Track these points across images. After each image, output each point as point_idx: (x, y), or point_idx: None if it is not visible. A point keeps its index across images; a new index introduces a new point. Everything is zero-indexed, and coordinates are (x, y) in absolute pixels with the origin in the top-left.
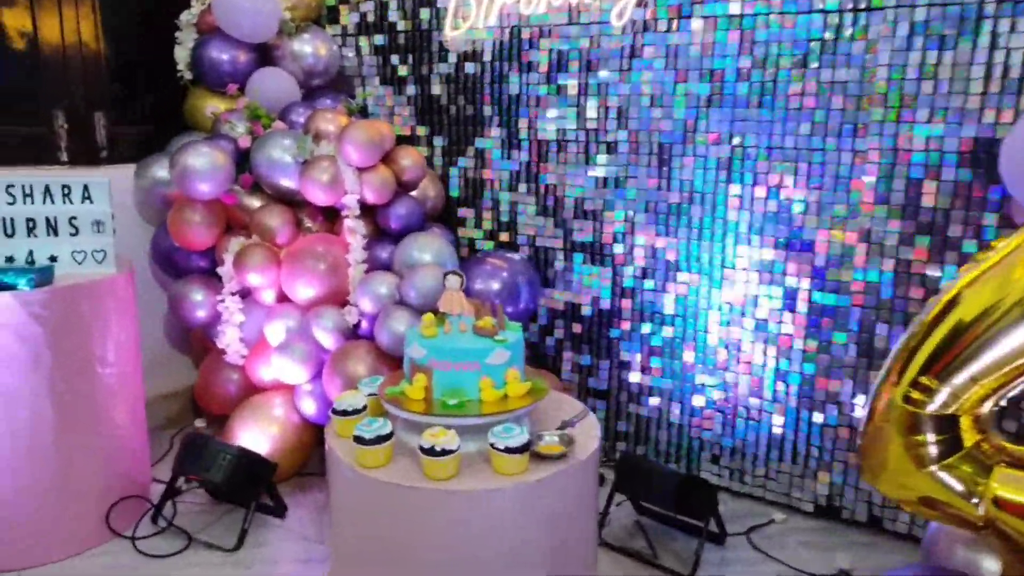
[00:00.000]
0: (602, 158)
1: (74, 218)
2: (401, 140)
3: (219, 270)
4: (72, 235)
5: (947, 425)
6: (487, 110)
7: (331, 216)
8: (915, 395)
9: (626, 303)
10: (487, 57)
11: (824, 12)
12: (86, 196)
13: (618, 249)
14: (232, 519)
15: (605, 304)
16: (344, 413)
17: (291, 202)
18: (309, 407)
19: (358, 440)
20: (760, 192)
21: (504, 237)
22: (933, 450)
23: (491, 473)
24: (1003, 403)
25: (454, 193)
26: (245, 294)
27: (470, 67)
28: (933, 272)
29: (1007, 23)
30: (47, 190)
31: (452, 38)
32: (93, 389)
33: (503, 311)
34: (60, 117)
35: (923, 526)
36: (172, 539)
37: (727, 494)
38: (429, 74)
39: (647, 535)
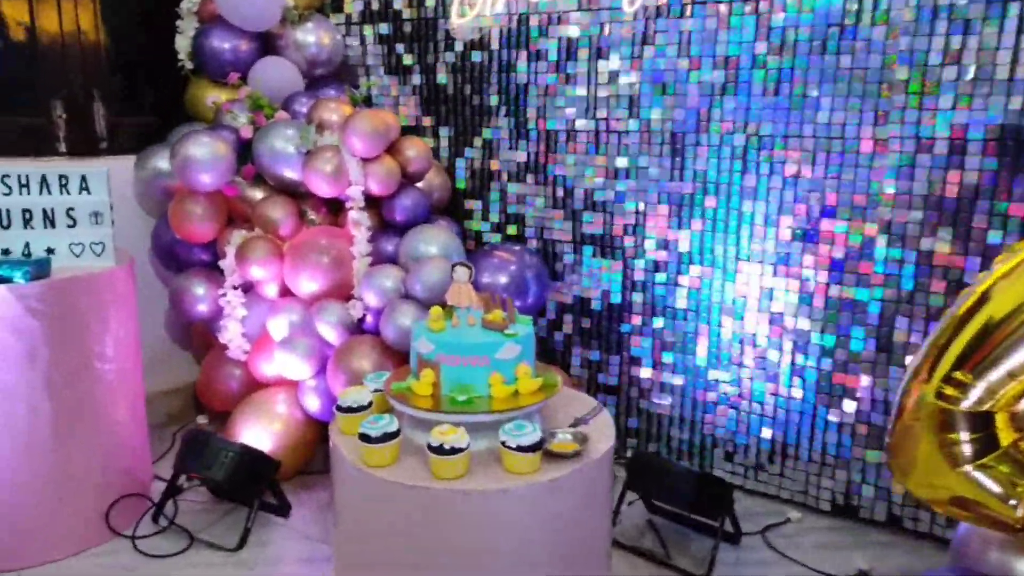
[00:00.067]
0: (612, 148)
1: (72, 209)
2: (406, 131)
3: (221, 263)
4: (70, 227)
5: (982, 423)
6: (494, 100)
7: (335, 208)
8: (948, 391)
9: (637, 297)
10: (494, 45)
11: None
12: (84, 186)
13: (629, 242)
14: (234, 518)
15: (615, 298)
16: (349, 410)
17: (294, 194)
18: (313, 403)
19: (363, 438)
20: (776, 182)
21: (512, 230)
22: (967, 449)
23: (502, 472)
24: None
25: (460, 185)
26: (247, 288)
27: (477, 55)
28: (956, 264)
29: None
30: (44, 180)
31: (458, 26)
32: (92, 385)
33: (512, 304)
34: (59, 107)
35: (945, 525)
36: (173, 538)
37: (740, 492)
38: (435, 63)
39: (659, 534)
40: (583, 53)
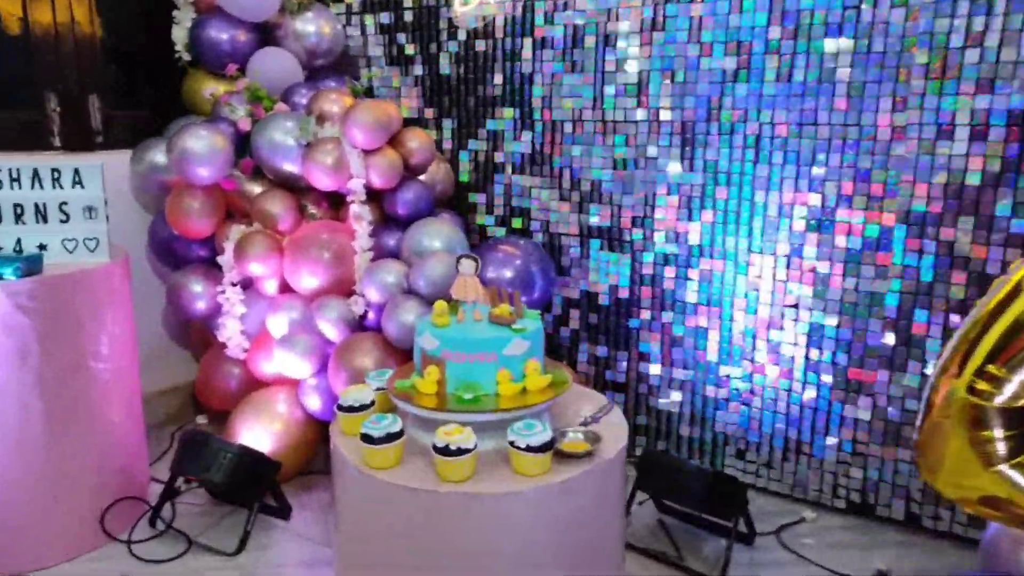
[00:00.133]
0: (620, 138)
1: (64, 204)
2: (408, 122)
3: (219, 259)
4: (63, 222)
5: (1017, 419)
6: (498, 90)
7: (336, 202)
8: (981, 386)
9: (646, 291)
10: (499, 34)
11: None
12: (77, 180)
13: (637, 235)
14: (234, 521)
15: (623, 293)
16: (350, 409)
17: (294, 187)
18: (314, 403)
19: (365, 439)
20: (790, 171)
21: (517, 223)
22: (1001, 447)
23: (511, 474)
24: None
25: (464, 178)
26: (246, 284)
27: (481, 44)
28: (978, 255)
29: None
30: (35, 174)
31: (461, 14)
32: (86, 384)
33: (520, 298)
34: (52, 100)
35: (967, 524)
36: (171, 543)
37: (753, 491)
38: (437, 53)
39: (671, 535)
40: (590, 40)
